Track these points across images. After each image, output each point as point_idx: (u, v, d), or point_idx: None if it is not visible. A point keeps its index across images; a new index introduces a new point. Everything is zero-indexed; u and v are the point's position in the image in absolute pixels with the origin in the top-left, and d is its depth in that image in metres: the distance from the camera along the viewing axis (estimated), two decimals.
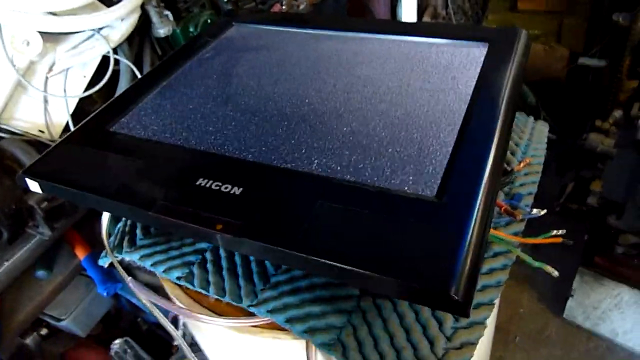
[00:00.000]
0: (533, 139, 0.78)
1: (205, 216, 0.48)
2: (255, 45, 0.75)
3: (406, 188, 0.49)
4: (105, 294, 1.33)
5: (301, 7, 1.75)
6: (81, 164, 0.58)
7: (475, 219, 0.45)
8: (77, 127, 0.64)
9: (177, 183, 0.53)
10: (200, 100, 0.64)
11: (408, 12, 1.89)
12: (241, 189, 0.50)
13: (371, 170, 0.51)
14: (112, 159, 0.57)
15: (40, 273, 1.25)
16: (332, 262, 0.43)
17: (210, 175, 0.52)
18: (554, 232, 0.59)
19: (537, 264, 0.57)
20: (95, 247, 1.34)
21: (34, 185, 0.56)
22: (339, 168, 0.51)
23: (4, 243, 1.13)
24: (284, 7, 1.70)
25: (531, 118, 0.83)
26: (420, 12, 2.35)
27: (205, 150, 0.56)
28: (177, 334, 1.14)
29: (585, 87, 1.96)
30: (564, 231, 0.57)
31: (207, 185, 0.51)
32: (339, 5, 1.94)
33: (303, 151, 0.54)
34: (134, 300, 1.45)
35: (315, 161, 0.53)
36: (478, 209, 0.46)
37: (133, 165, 0.56)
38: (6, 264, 1.15)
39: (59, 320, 1.44)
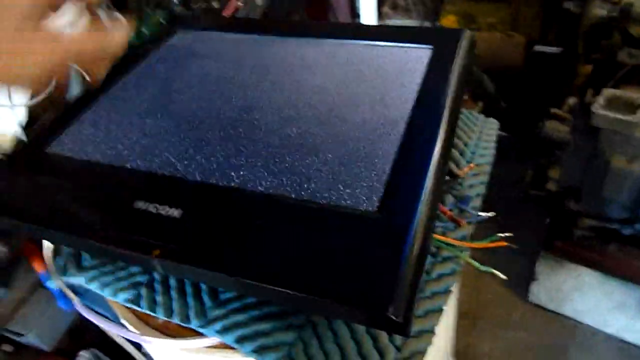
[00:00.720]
0: (482, 137, 0.78)
1: (142, 241, 0.47)
2: (199, 53, 0.73)
3: (349, 203, 0.48)
4: (65, 307, 1.29)
5: (258, 2, 1.72)
6: (17, 190, 0.55)
7: (415, 233, 0.45)
8: (14, 150, 0.62)
9: (113, 207, 0.51)
10: (140, 115, 0.62)
11: (367, 3, 1.89)
12: (180, 210, 0.49)
13: (313, 185, 0.50)
14: (47, 183, 0.55)
15: None
16: (271, 286, 0.42)
17: (148, 197, 0.51)
18: (500, 235, 0.59)
19: (483, 268, 0.58)
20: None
21: None
22: (281, 185, 0.51)
23: None
24: (239, 3, 1.67)
25: (481, 116, 0.84)
26: (380, 2, 2.34)
27: (144, 170, 0.55)
28: (136, 354, 1.12)
29: (542, 75, 2.00)
30: (511, 234, 0.58)
31: (145, 208, 0.50)
32: None
33: (243, 168, 0.53)
34: (99, 311, 1.43)
35: (256, 179, 0.51)
36: (418, 221, 0.46)
37: (69, 190, 0.54)
38: None
39: (21, 335, 1.40)
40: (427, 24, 2.27)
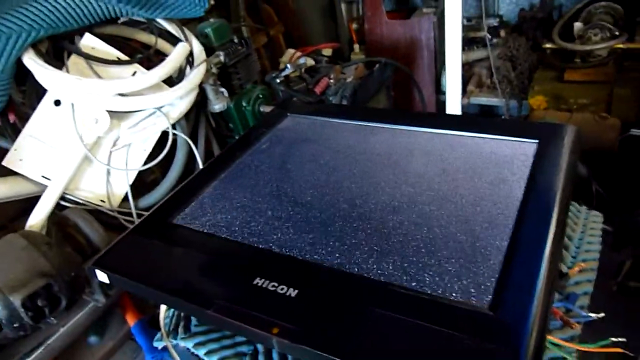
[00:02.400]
0: (587, 231, 0.76)
1: (262, 318, 0.50)
2: (309, 138, 0.79)
3: (460, 298, 0.49)
4: None
5: (348, 80, 1.82)
6: (145, 257, 0.61)
7: (530, 334, 0.45)
8: (142, 218, 0.69)
9: (234, 282, 0.55)
10: (257, 194, 0.68)
11: (452, 81, 1.93)
12: (297, 290, 0.52)
13: (424, 276, 0.52)
14: (174, 253, 0.61)
15: (93, 339, 1.29)
16: None
17: (267, 275, 0.54)
18: (612, 339, 0.57)
19: None
20: (146, 312, 1.38)
21: (102, 277, 0.60)
22: (392, 272, 0.53)
23: (62, 310, 1.18)
24: (331, 81, 1.78)
25: (584, 208, 0.82)
26: (465, 82, 2.39)
27: (262, 248, 0.59)
28: None
29: (638, 158, 1.91)
30: (624, 340, 0.55)
31: (264, 285, 0.53)
32: (384, 76, 2.00)
33: (357, 253, 0.55)
34: None
35: (370, 264, 0.54)
36: (533, 323, 0.45)
37: (193, 261, 0.59)
38: (62, 329, 1.20)
39: None
40: (513, 103, 2.27)
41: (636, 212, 1.53)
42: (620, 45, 1.98)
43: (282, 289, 0.53)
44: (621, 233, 1.62)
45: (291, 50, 2.00)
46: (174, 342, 0.70)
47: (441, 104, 2.37)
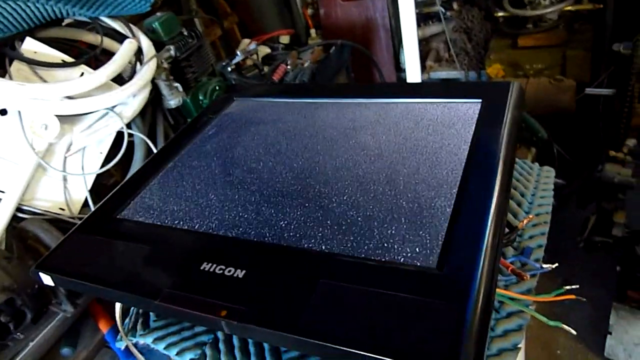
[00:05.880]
0: (539, 187, 0.77)
1: (210, 302, 0.49)
2: (256, 120, 0.77)
3: (407, 260, 0.49)
4: None
5: (305, 64, 1.80)
6: (90, 254, 0.59)
7: (478, 288, 0.44)
8: (86, 216, 0.67)
9: (181, 269, 0.54)
10: (202, 181, 0.66)
11: (410, 58, 1.93)
12: (244, 271, 0.51)
13: (371, 244, 0.51)
14: (119, 247, 0.59)
15: (65, 350, 1.25)
16: (335, 346, 0.42)
17: (213, 259, 0.53)
18: (566, 287, 0.57)
19: (552, 323, 0.56)
20: None
21: (47, 279, 0.58)
22: (339, 244, 0.52)
23: (28, 323, 1.14)
24: (289, 67, 1.76)
25: (536, 165, 0.83)
26: (423, 57, 2.39)
27: (208, 232, 0.58)
28: None
29: (595, 117, 1.95)
30: (578, 286, 0.56)
31: (211, 269, 0.52)
32: (342, 58, 1.99)
33: (303, 228, 0.55)
34: None
35: (317, 238, 0.53)
36: (481, 276, 0.45)
37: (139, 253, 0.57)
38: (31, 344, 1.16)
39: None
40: (472, 74, 2.29)
41: (596, 170, 1.56)
42: (569, 8, 2.01)
43: (229, 271, 0.51)
44: (585, 190, 1.66)
45: (246, 40, 1.97)
46: (134, 340, 0.68)
47: (402, 81, 2.38)
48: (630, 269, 1.52)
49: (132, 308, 0.72)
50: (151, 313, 0.69)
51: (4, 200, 1.20)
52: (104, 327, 1.34)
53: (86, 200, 1.32)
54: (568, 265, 0.72)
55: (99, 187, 1.36)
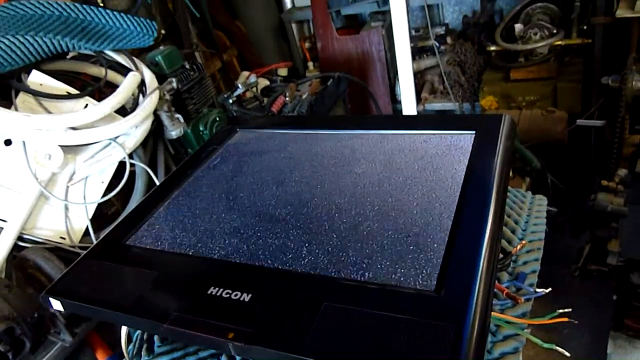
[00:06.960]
0: (532, 214, 0.80)
1: (217, 325, 0.51)
2: (258, 150, 0.80)
3: (407, 284, 0.51)
4: None
5: (304, 96, 1.85)
6: (99, 280, 0.61)
7: (474, 310, 0.46)
8: (95, 243, 0.68)
9: (189, 294, 0.56)
10: (208, 208, 0.68)
11: (406, 90, 1.98)
12: (250, 295, 0.53)
13: (372, 268, 0.53)
14: (128, 273, 0.61)
15: None
16: None
17: (220, 283, 0.55)
18: (560, 310, 0.59)
19: (546, 345, 0.57)
20: (116, 349, 1.35)
21: (56, 304, 0.60)
22: (341, 268, 0.54)
23: (27, 353, 1.14)
24: (287, 99, 1.81)
25: (529, 193, 0.86)
26: (418, 89, 2.45)
27: (215, 258, 0.60)
28: None
29: (587, 147, 2.00)
30: (570, 310, 0.58)
31: (218, 293, 0.54)
32: (339, 90, 2.04)
33: (306, 253, 0.57)
34: None
35: (320, 263, 0.55)
36: (476, 299, 0.47)
37: (147, 278, 0.59)
38: None
39: None
40: (466, 106, 2.35)
41: (589, 199, 1.59)
42: (559, 42, 2.08)
43: (235, 295, 0.53)
44: (578, 220, 1.69)
45: (246, 73, 2.02)
46: None
47: (398, 113, 2.43)
48: (627, 297, 1.53)
49: (137, 334, 0.73)
50: (155, 338, 0.70)
51: (5, 229, 1.21)
52: (101, 357, 1.33)
53: (87, 229, 1.33)
54: (565, 293, 0.74)
55: (100, 217, 1.37)
